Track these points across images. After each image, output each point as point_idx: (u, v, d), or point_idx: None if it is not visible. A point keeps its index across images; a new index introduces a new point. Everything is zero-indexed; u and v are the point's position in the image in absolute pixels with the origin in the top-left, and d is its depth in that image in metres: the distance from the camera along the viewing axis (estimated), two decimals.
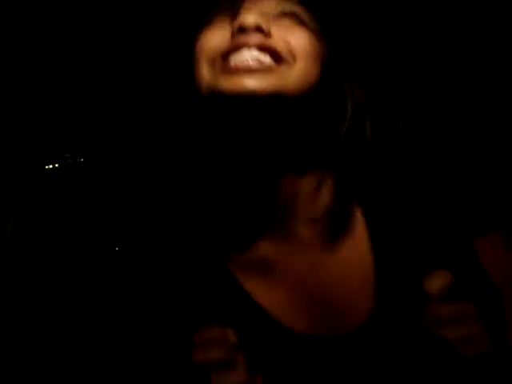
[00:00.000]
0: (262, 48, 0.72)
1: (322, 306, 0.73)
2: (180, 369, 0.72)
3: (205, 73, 0.76)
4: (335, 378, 0.68)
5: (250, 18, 0.72)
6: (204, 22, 0.79)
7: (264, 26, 0.72)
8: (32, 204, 2.07)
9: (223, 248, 0.79)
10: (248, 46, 0.72)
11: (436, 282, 0.67)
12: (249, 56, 0.71)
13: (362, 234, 0.81)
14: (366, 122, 0.85)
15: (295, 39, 0.76)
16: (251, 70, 0.71)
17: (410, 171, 0.91)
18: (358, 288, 0.76)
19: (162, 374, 0.76)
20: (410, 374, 0.70)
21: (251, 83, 0.70)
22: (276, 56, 0.74)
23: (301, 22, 0.77)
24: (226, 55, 0.74)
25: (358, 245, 0.79)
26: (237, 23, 0.73)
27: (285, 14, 0.78)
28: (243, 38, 0.71)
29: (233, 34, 0.73)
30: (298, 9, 0.79)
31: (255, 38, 0.71)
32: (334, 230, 0.77)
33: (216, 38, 0.75)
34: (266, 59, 0.72)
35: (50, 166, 2.26)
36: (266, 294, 0.75)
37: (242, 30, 0.72)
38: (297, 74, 0.75)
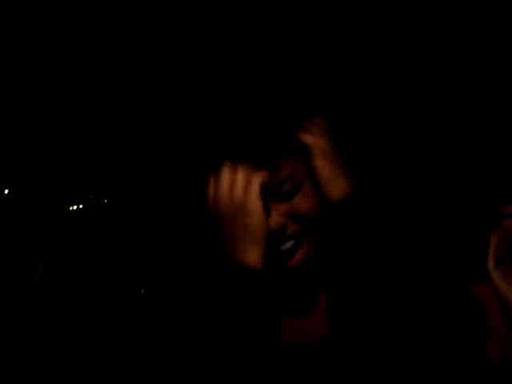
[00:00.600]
0: (291, 235, 1.05)
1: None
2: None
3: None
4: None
5: (274, 224, 1.02)
6: None
7: (284, 222, 1.03)
8: (59, 247, 2.11)
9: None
10: (284, 239, 1.04)
11: None
12: (287, 245, 1.04)
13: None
14: None
15: (300, 212, 1.03)
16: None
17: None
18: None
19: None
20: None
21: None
22: (299, 235, 1.05)
23: (292, 191, 1.03)
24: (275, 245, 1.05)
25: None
26: (270, 229, 1.00)
27: (285, 192, 1.03)
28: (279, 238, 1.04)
29: (270, 235, 1.03)
30: (288, 182, 1.04)
31: (285, 233, 1.04)
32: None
33: None
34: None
35: (75, 207, 2.31)
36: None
37: (274, 233, 1.02)
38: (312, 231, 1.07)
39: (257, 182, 0.97)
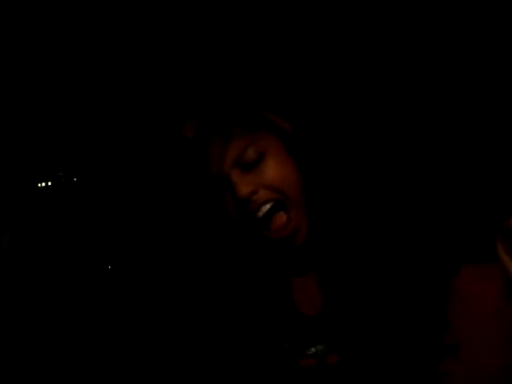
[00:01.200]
0: (266, 201, 1.08)
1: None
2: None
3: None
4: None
5: (243, 191, 1.06)
6: None
7: (254, 188, 1.07)
8: (25, 220, 2.09)
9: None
10: (259, 205, 1.08)
11: None
12: (263, 210, 1.07)
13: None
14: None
15: (267, 179, 1.08)
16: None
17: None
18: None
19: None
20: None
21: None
22: (275, 201, 1.08)
23: (257, 159, 1.09)
24: (252, 216, 1.09)
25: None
26: (239, 197, 1.06)
27: (248, 162, 1.09)
28: (253, 201, 1.07)
29: (242, 203, 1.07)
30: (250, 149, 1.10)
31: (259, 197, 1.08)
32: None
33: (233, 206, 1.09)
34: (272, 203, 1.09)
35: (43, 184, 2.29)
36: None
37: (246, 201, 1.06)
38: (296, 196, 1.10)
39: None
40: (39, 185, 2.29)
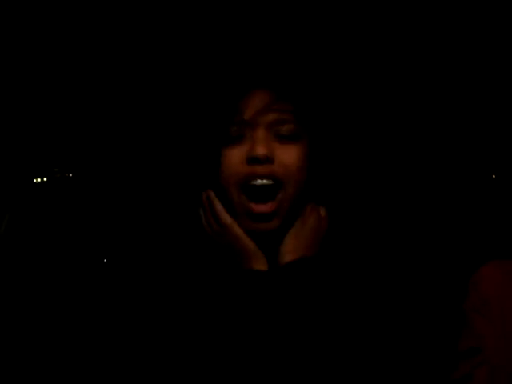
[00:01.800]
0: (268, 175, 1.08)
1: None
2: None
3: (235, 198, 1.10)
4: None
5: (260, 150, 1.06)
6: (225, 135, 1.11)
7: (270, 156, 1.07)
8: (21, 214, 2.12)
9: None
10: (260, 175, 1.07)
11: None
12: (259, 182, 1.07)
13: None
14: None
15: (289, 160, 1.09)
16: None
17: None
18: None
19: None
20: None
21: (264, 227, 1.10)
22: (277, 180, 1.08)
23: (293, 138, 1.10)
24: (244, 181, 1.08)
25: None
26: (251, 154, 1.07)
27: (281, 134, 1.10)
28: (256, 169, 1.07)
29: (248, 160, 1.08)
30: (290, 125, 1.10)
31: (264, 169, 1.07)
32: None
33: (237, 161, 1.09)
34: (270, 182, 1.09)
35: (39, 180, 2.33)
36: None
37: (256, 159, 1.06)
38: (291, 193, 1.11)
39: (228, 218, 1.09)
40: (35, 180, 2.33)
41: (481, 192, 1.77)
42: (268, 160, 1.06)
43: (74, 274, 2.09)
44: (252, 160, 1.05)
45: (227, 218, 1.08)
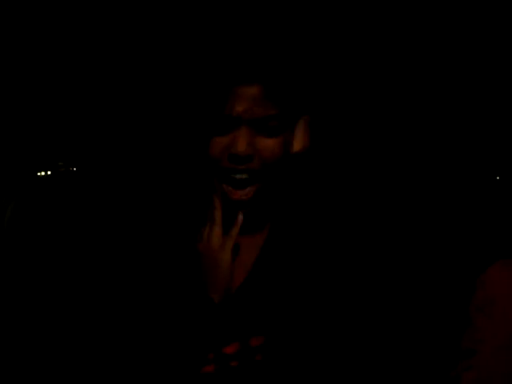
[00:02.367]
0: (247, 170, 1.11)
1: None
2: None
3: (216, 184, 1.12)
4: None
5: (242, 147, 1.10)
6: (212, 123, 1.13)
7: (251, 153, 1.11)
8: (24, 207, 2.13)
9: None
10: (239, 171, 1.11)
11: None
12: (238, 176, 1.11)
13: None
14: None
15: (268, 154, 1.13)
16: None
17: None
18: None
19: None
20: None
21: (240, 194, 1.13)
22: (254, 173, 1.12)
23: (277, 133, 1.13)
24: (225, 173, 1.11)
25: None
26: (233, 151, 1.11)
27: (265, 129, 1.12)
28: (236, 165, 1.11)
29: (229, 157, 1.11)
30: (274, 121, 1.12)
31: (244, 165, 1.11)
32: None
33: (218, 154, 1.12)
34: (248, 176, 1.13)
35: (43, 173, 2.33)
36: None
37: (236, 157, 1.11)
38: (268, 177, 1.14)
39: (230, 242, 1.09)
40: (39, 174, 2.34)
41: (487, 193, 1.77)
42: (248, 158, 1.09)
43: (77, 267, 2.09)
44: (233, 157, 1.09)
45: (216, 244, 1.09)
